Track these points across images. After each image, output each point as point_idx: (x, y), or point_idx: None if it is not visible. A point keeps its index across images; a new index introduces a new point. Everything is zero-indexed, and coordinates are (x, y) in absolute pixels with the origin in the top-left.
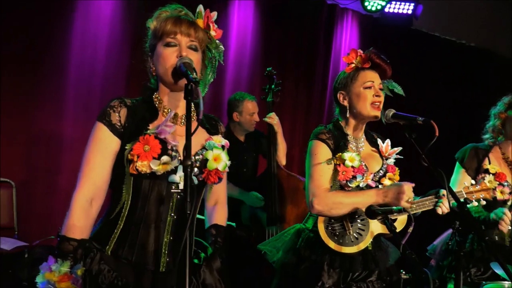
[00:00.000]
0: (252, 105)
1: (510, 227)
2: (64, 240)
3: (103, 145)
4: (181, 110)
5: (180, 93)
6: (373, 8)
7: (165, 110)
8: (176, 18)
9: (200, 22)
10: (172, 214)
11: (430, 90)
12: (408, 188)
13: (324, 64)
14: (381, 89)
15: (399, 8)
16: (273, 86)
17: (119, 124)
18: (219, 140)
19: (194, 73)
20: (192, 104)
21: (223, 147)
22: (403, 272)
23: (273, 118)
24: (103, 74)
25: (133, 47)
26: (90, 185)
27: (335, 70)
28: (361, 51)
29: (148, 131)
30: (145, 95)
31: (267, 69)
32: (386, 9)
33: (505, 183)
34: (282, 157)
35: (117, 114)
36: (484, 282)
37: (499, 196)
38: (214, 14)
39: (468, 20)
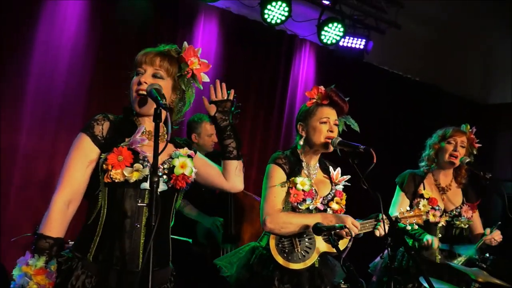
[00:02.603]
0: (211, 127)
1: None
2: (41, 238)
3: (84, 154)
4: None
5: (147, 117)
6: (329, 42)
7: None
8: (148, 50)
9: (181, 56)
10: (146, 219)
11: (379, 119)
12: (351, 219)
13: (283, 90)
14: (336, 125)
15: (352, 43)
16: (232, 109)
17: (100, 135)
18: (185, 151)
19: (164, 99)
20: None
21: (189, 156)
22: (342, 282)
23: None
24: (63, 88)
25: (96, 62)
26: (69, 189)
27: (292, 95)
28: (322, 88)
29: (122, 144)
30: (126, 114)
31: (228, 92)
32: (341, 43)
33: (437, 207)
34: None
35: (100, 126)
36: None
37: (431, 219)
38: (199, 50)
39: (415, 56)
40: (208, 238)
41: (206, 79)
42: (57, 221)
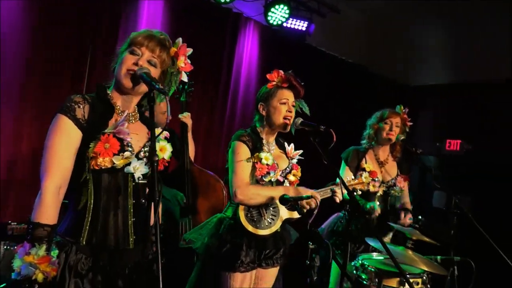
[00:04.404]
0: (164, 104)
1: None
2: (38, 227)
3: (68, 137)
4: (131, 109)
5: (132, 96)
6: (275, 22)
7: (117, 108)
8: (150, 34)
9: (173, 50)
10: (132, 200)
11: (317, 100)
12: (311, 191)
13: (228, 68)
14: (293, 106)
15: (295, 24)
16: (186, 87)
17: (83, 119)
18: (159, 131)
19: (158, 84)
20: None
21: (166, 138)
22: (310, 243)
23: (187, 118)
24: None
25: (33, 38)
26: (58, 174)
27: (237, 73)
28: (282, 72)
29: (107, 130)
30: (100, 93)
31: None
32: (285, 24)
33: (376, 179)
34: (191, 155)
35: (82, 110)
36: (359, 254)
37: (371, 189)
38: (189, 50)
39: (350, 40)
40: (166, 214)
41: (185, 79)
42: (52, 208)
